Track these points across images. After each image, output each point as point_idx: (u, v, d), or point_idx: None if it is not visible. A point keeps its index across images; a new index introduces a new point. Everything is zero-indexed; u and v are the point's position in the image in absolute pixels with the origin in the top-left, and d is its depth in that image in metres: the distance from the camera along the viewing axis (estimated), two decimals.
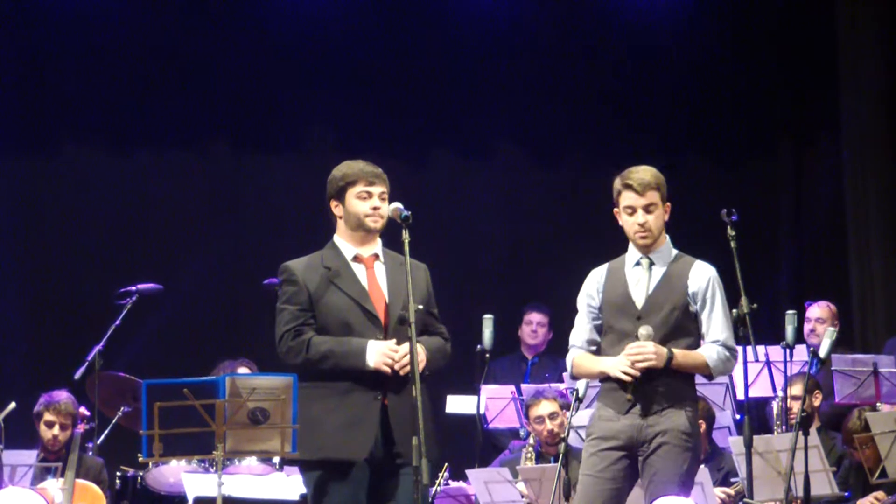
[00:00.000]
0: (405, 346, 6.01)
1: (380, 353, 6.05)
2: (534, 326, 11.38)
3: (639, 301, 6.49)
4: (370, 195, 6.19)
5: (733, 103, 12.81)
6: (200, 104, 12.15)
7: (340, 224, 6.27)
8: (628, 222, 6.52)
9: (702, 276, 6.52)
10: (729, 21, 12.86)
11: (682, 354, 6.40)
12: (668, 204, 6.55)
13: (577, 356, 6.62)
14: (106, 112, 12.05)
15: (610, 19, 12.80)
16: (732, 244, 7.17)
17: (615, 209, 6.58)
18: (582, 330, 6.63)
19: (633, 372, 6.36)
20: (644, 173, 6.54)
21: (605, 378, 6.52)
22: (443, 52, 12.57)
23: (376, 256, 6.25)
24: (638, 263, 6.53)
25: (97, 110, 12.03)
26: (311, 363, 6.13)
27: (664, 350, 6.36)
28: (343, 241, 6.26)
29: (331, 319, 6.14)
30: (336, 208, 6.26)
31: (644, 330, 6.39)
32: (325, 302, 6.15)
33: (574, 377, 6.76)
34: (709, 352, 6.48)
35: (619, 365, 6.39)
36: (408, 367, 5.98)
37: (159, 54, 12.08)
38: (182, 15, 12.17)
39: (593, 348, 6.59)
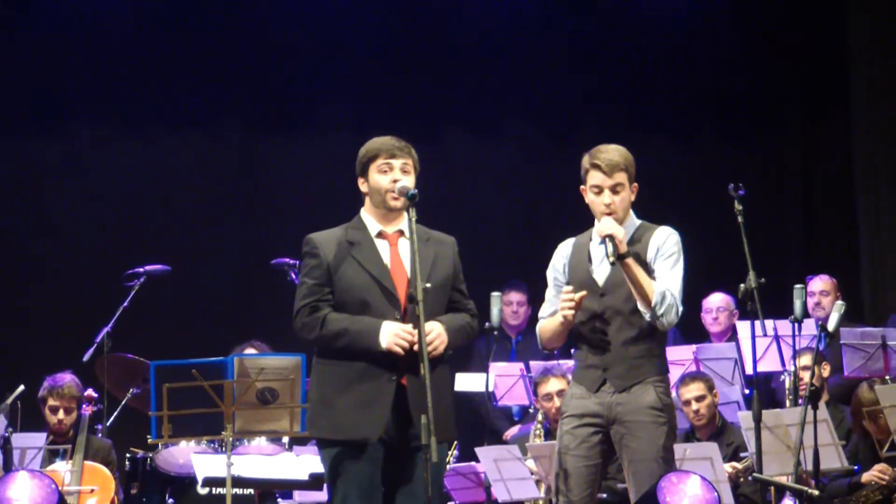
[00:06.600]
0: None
1: (392, 334, 5.96)
2: (514, 307, 11.18)
3: (600, 279, 6.42)
4: (391, 168, 6.13)
5: (743, 79, 12.78)
6: (213, 85, 12.15)
7: (367, 200, 6.23)
8: (594, 202, 6.45)
9: (660, 237, 6.45)
10: None
11: (636, 265, 6.31)
12: (636, 185, 6.47)
13: (541, 324, 6.58)
14: (118, 93, 12.06)
15: None
16: (740, 219, 7.15)
17: (582, 187, 6.51)
18: (549, 303, 6.59)
19: (568, 306, 6.30)
20: (612, 153, 6.43)
21: (578, 354, 6.49)
22: (456, 31, 12.56)
23: (401, 233, 6.18)
24: (602, 242, 6.41)
25: (110, 91, 12.03)
26: (325, 340, 6.05)
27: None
28: (369, 216, 6.20)
29: (349, 296, 6.07)
30: (362, 185, 6.21)
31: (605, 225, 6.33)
32: (345, 278, 6.08)
33: (545, 348, 6.64)
34: (659, 287, 6.35)
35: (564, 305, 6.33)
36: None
37: (172, 35, 12.08)
38: None
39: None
